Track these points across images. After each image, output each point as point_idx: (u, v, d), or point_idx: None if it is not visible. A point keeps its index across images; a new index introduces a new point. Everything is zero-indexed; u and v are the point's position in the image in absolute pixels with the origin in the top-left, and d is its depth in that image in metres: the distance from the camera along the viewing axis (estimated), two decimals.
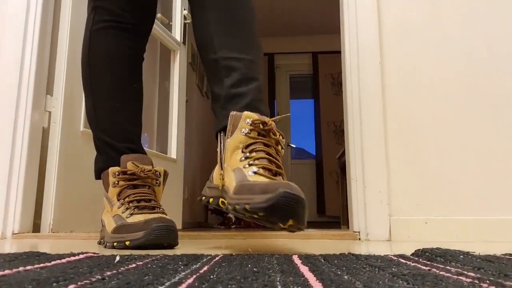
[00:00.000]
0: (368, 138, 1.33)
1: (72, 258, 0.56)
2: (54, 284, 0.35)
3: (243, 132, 0.78)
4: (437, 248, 0.66)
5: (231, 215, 3.66)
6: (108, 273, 0.42)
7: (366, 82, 1.37)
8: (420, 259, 0.58)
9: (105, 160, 1.02)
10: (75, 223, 1.51)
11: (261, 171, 0.74)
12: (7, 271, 0.41)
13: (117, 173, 0.96)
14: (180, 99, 2.43)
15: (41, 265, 0.47)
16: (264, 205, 0.64)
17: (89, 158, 1.10)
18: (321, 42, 5.06)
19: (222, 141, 0.83)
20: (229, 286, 0.34)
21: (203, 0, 0.94)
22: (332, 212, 4.55)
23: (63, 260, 0.53)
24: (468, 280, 0.37)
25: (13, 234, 1.35)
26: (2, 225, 1.35)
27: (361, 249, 0.94)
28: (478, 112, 1.33)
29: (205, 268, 0.47)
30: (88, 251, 0.65)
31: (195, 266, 0.49)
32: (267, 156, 0.76)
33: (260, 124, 0.78)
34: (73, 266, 0.46)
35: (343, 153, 2.53)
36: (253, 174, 0.73)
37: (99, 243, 1.02)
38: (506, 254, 0.64)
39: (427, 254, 0.62)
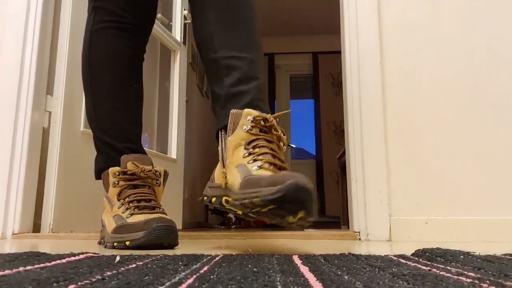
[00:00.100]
0: (368, 138, 1.33)
1: (72, 258, 0.56)
2: (54, 284, 0.35)
3: (244, 129, 0.78)
4: (437, 248, 0.66)
5: (231, 215, 3.66)
6: (108, 273, 0.42)
7: (366, 82, 1.37)
8: (420, 259, 0.58)
9: (105, 160, 1.02)
10: (75, 223, 1.51)
11: (266, 165, 0.73)
12: (7, 271, 0.41)
13: (117, 173, 0.96)
14: (180, 99, 2.43)
15: (41, 265, 0.47)
16: (274, 197, 0.63)
17: (89, 158, 1.10)
18: (321, 42, 5.06)
19: (223, 139, 0.82)
20: (229, 286, 0.34)
21: (203, 0, 0.93)
22: (332, 212, 4.55)
23: (63, 260, 0.53)
24: (469, 280, 0.37)
25: (13, 234, 1.35)
26: (2, 225, 1.35)
27: (361, 249, 0.94)
28: (478, 112, 1.33)
29: (205, 268, 0.47)
30: (88, 251, 0.65)
31: (195, 266, 0.49)
32: (270, 151, 0.76)
33: (262, 121, 0.78)
34: (73, 266, 0.46)
35: (343, 153, 2.53)
36: (258, 168, 0.73)
37: (99, 243, 1.02)
38: (506, 254, 0.64)
39: (427, 254, 0.62)
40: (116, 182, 0.95)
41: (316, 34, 5.07)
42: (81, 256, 0.58)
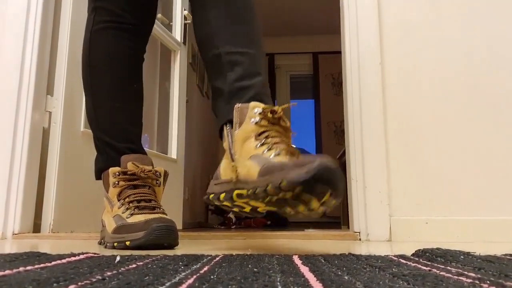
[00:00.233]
0: (368, 138, 1.33)
1: (73, 258, 0.56)
2: (55, 284, 0.35)
3: (252, 122, 0.77)
4: (438, 249, 0.66)
5: (231, 216, 3.66)
6: (109, 273, 0.42)
7: (366, 82, 1.37)
8: (421, 260, 0.58)
9: (105, 160, 1.02)
10: (75, 223, 1.51)
11: (283, 152, 0.72)
12: (7, 271, 0.41)
13: (117, 173, 0.96)
14: (181, 99, 2.43)
15: (42, 265, 0.47)
16: (305, 177, 0.61)
17: (90, 159, 1.10)
18: (322, 42, 5.06)
19: (229, 134, 0.81)
20: (230, 287, 0.34)
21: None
22: (333, 212, 4.55)
23: (64, 260, 0.53)
24: (469, 280, 0.37)
25: (13, 234, 1.35)
26: (3, 225, 1.35)
27: (362, 249, 0.94)
28: (478, 112, 1.33)
29: (205, 269, 0.47)
30: (89, 251, 0.66)
31: (195, 266, 0.49)
32: (283, 141, 0.76)
33: (269, 113, 0.77)
34: (74, 266, 0.46)
35: (344, 153, 2.53)
36: (275, 156, 0.72)
37: (100, 243, 1.02)
38: (506, 255, 0.64)
39: (427, 254, 0.62)
40: (116, 182, 0.95)
41: (316, 34, 5.07)
42: (81, 256, 0.58)
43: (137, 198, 0.93)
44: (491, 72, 1.35)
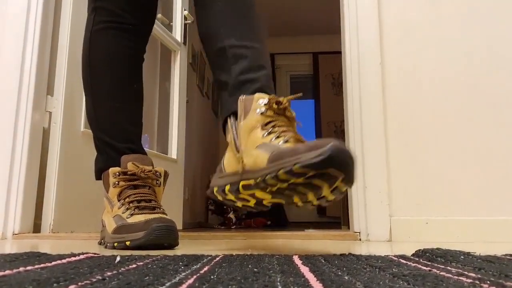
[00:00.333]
0: (369, 138, 1.33)
1: (73, 258, 0.56)
2: (55, 284, 0.35)
3: (258, 112, 0.76)
4: (438, 249, 0.66)
5: (231, 216, 3.66)
6: (109, 273, 0.42)
7: (366, 82, 1.37)
8: (421, 260, 0.58)
9: (105, 160, 1.02)
10: (75, 224, 1.51)
11: (292, 140, 0.72)
12: (7, 272, 0.41)
13: (117, 173, 0.96)
14: (181, 99, 2.43)
15: (42, 265, 0.47)
16: (319, 159, 0.60)
17: (90, 159, 1.10)
18: (322, 42, 5.05)
19: (233, 126, 0.80)
20: (230, 287, 0.34)
21: None
22: (333, 212, 4.55)
23: (64, 261, 0.53)
24: (469, 280, 0.37)
25: (13, 234, 1.35)
26: (3, 225, 1.35)
27: (362, 249, 0.94)
28: (478, 112, 1.33)
29: (205, 269, 0.47)
30: (89, 251, 0.66)
31: (195, 266, 0.49)
32: (290, 130, 0.76)
33: (274, 103, 0.77)
34: (74, 267, 0.46)
35: None
36: (285, 142, 0.71)
37: (100, 243, 1.02)
38: (506, 255, 0.64)
39: (427, 254, 0.62)
40: (116, 182, 0.95)
41: (316, 34, 5.07)
42: (82, 257, 0.58)
43: (137, 198, 0.93)
44: (491, 72, 1.35)
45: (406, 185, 1.30)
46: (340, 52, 1.50)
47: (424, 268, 0.47)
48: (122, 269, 0.46)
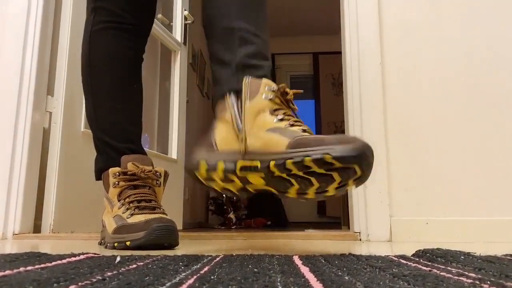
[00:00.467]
0: (369, 138, 1.32)
1: (73, 258, 0.56)
2: (55, 284, 0.35)
3: (265, 98, 0.76)
4: (438, 249, 0.66)
5: (231, 216, 3.66)
6: (109, 273, 0.42)
7: (366, 82, 1.37)
8: (421, 260, 0.58)
9: (105, 160, 1.02)
10: (75, 224, 1.51)
11: (308, 130, 0.72)
12: (8, 272, 0.41)
13: (117, 173, 0.96)
14: (181, 99, 2.43)
15: (42, 265, 0.47)
16: (354, 153, 0.63)
17: (90, 159, 1.10)
18: (322, 42, 5.06)
19: (235, 104, 0.78)
20: (230, 287, 0.34)
21: None
22: (333, 212, 4.55)
23: (64, 261, 0.53)
24: (469, 280, 0.37)
25: (13, 234, 1.35)
26: (3, 225, 1.35)
27: (362, 249, 0.94)
28: (478, 112, 1.33)
29: (205, 269, 0.47)
30: (89, 251, 0.66)
31: (195, 266, 0.49)
32: (300, 120, 0.75)
33: (281, 93, 0.77)
34: (74, 267, 0.46)
35: None
36: (304, 132, 0.71)
37: (100, 243, 1.02)
38: (507, 255, 0.64)
39: (428, 254, 0.62)
40: (116, 182, 0.95)
41: (316, 35, 5.07)
42: (82, 257, 0.58)
43: (137, 198, 0.93)
44: (491, 72, 1.35)
45: (406, 185, 1.30)
46: (340, 52, 1.50)
47: (425, 268, 0.47)
48: (122, 269, 0.46)
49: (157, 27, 2.14)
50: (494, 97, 1.33)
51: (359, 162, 0.64)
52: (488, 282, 0.36)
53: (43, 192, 1.46)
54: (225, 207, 3.73)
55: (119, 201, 0.94)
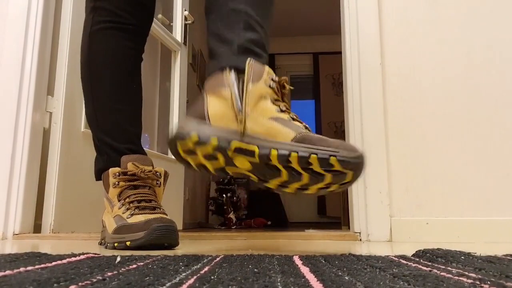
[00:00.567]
0: (369, 138, 1.33)
1: (73, 258, 0.56)
2: (55, 284, 0.35)
3: (267, 85, 0.75)
4: (438, 249, 0.66)
5: (231, 216, 3.66)
6: (109, 273, 0.42)
7: (366, 83, 1.37)
8: (421, 260, 0.58)
9: (105, 161, 1.02)
10: (76, 224, 1.51)
11: (309, 128, 0.73)
12: (8, 272, 0.41)
13: (117, 173, 0.96)
14: (181, 99, 2.43)
15: (42, 265, 0.47)
16: (356, 161, 0.66)
17: (90, 159, 1.10)
18: (322, 42, 5.06)
19: (235, 83, 0.76)
20: (230, 287, 0.34)
21: None
22: (333, 212, 4.55)
23: (64, 261, 0.53)
24: (469, 281, 0.37)
25: (14, 234, 1.35)
26: (3, 225, 1.35)
27: (362, 249, 0.94)
28: (478, 112, 1.33)
29: (206, 269, 0.47)
30: (89, 251, 0.66)
31: (196, 266, 0.49)
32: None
33: (280, 85, 0.77)
34: (74, 267, 0.46)
35: None
36: (305, 129, 0.72)
37: (100, 243, 1.02)
38: (507, 255, 0.64)
39: (428, 255, 0.62)
40: (117, 182, 0.95)
41: (316, 35, 5.07)
42: (82, 257, 0.58)
43: (137, 198, 0.93)
44: (491, 72, 1.35)
45: (407, 186, 1.30)
46: (340, 53, 1.50)
47: (425, 268, 0.47)
48: (122, 269, 0.46)
49: (157, 27, 2.14)
50: (494, 97, 1.33)
51: (355, 170, 0.67)
52: (489, 282, 0.36)
53: (43, 192, 1.46)
54: (225, 207, 3.73)
55: (119, 201, 0.94)
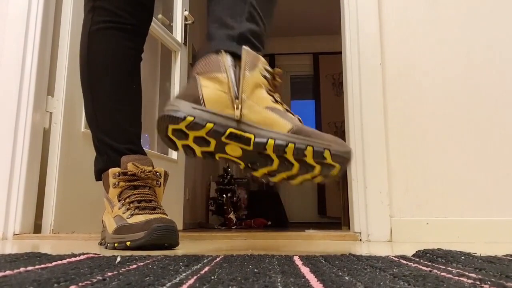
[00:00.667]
0: (369, 138, 1.33)
1: (73, 259, 0.56)
2: (55, 285, 0.35)
3: (262, 75, 0.76)
4: (438, 249, 0.66)
5: (231, 216, 3.66)
6: (109, 273, 0.42)
7: (366, 83, 1.37)
8: (421, 260, 0.58)
9: (105, 161, 1.02)
10: (76, 224, 1.51)
11: (301, 121, 0.75)
12: (8, 272, 0.41)
13: (117, 174, 0.96)
14: None
15: (42, 265, 0.47)
16: (347, 156, 0.69)
17: (90, 159, 1.10)
18: (322, 42, 5.05)
19: (232, 67, 0.75)
20: (230, 287, 0.34)
21: None
22: (333, 213, 4.55)
23: (64, 261, 0.53)
24: (470, 281, 0.37)
25: (14, 234, 1.35)
26: (3, 225, 1.35)
27: (362, 250, 0.94)
28: (478, 112, 1.33)
29: (206, 269, 0.47)
30: (89, 251, 0.66)
31: (196, 267, 0.49)
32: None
33: (273, 77, 0.77)
34: (74, 267, 0.46)
35: None
36: (299, 122, 0.73)
37: (100, 243, 1.02)
38: (507, 255, 0.64)
39: (428, 255, 0.62)
40: (117, 183, 0.95)
41: (317, 35, 5.07)
42: (82, 257, 0.58)
43: (137, 198, 0.93)
44: (491, 72, 1.35)
45: (407, 186, 1.30)
46: (340, 53, 1.50)
47: (425, 268, 0.47)
48: (122, 269, 0.46)
49: (157, 28, 2.14)
50: (494, 97, 1.33)
51: (343, 164, 0.69)
52: (489, 283, 0.36)
53: (44, 192, 1.46)
54: (225, 207, 3.73)
55: (119, 201, 0.94)
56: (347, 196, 1.41)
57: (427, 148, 1.32)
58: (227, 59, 0.76)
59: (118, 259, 0.56)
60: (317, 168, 0.69)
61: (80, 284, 0.35)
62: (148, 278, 0.39)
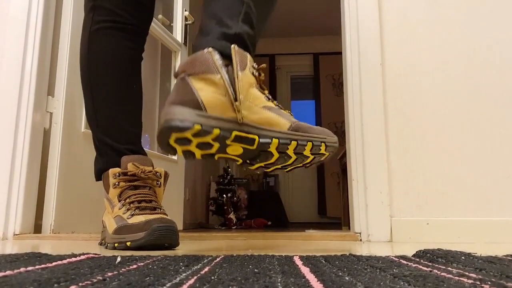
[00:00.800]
0: (369, 138, 1.33)
1: (73, 259, 0.56)
2: (55, 285, 0.35)
3: (251, 72, 0.76)
4: (439, 249, 0.66)
5: (232, 216, 3.66)
6: (109, 274, 0.42)
7: (367, 83, 1.37)
8: (422, 260, 0.58)
9: (105, 161, 1.02)
10: (76, 224, 1.51)
11: (292, 115, 0.78)
12: (8, 272, 0.41)
13: (117, 174, 0.96)
14: None
15: (42, 266, 0.47)
16: (336, 145, 0.77)
17: (90, 159, 1.10)
18: (322, 43, 5.06)
19: (223, 68, 0.74)
20: (230, 287, 0.34)
21: None
22: (333, 213, 4.55)
23: (64, 261, 0.53)
24: (470, 281, 0.37)
25: (14, 235, 1.35)
26: (4, 226, 1.35)
27: (362, 250, 0.94)
28: (478, 112, 1.33)
29: (206, 269, 0.47)
30: (89, 252, 0.66)
31: (196, 267, 0.49)
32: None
33: (260, 74, 0.78)
34: (74, 267, 0.46)
35: (344, 154, 2.53)
36: (292, 117, 0.76)
37: (100, 244, 1.02)
38: (508, 255, 0.64)
39: (428, 255, 0.62)
40: (117, 183, 0.95)
41: (317, 35, 5.07)
42: (82, 257, 0.58)
43: (137, 198, 0.93)
44: (491, 72, 1.35)
45: (407, 186, 1.30)
46: (340, 53, 1.50)
47: (425, 268, 0.47)
48: (122, 269, 0.46)
49: (157, 28, 2.14)
50: (494, 97, 1.33)
51: (332, 152, 0.77)
52: (489, 283, 0.36)
53: (44, 193, 1.46)
54: (225, 207, 3.73)
55: (119, 201, 0.94)
56: (347, 196, 1.40)
57: (427, 148, 1.32)
58: (217, 58, 0.74)
59: (118, 259, 0.56)
60: (311, 157, 0.75)
61: (80, 284, 0.35)
62: (148, 278, 0.39)
